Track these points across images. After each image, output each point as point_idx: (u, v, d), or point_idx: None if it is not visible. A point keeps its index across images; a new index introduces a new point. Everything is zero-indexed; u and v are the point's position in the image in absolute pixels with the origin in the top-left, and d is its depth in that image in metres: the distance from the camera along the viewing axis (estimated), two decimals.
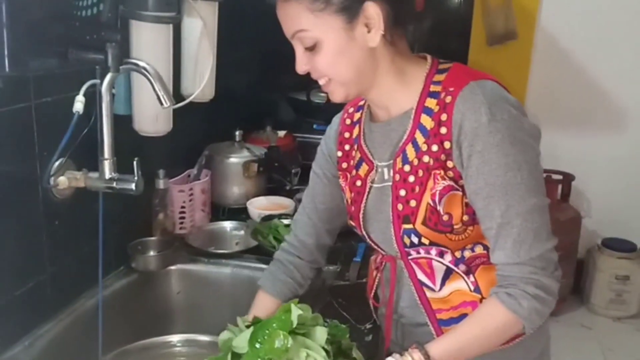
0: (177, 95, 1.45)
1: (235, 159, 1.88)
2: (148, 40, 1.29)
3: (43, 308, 1.23)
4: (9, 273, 1.13)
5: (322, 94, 2.36)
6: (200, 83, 1.48)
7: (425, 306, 1.08)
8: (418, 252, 1.04)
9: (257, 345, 0.91)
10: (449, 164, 0.96)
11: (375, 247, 1.13)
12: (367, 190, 1.08)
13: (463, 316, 1.04)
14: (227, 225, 1.78)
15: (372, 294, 1.20)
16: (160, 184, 1.58)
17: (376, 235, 1.10)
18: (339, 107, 2.56)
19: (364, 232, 1.11)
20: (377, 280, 1.18)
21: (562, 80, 3.16)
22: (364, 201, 1.09)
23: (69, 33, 1.14)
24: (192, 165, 1.82)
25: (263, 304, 1.17)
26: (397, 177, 1.02)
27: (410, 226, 1.01)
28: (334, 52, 0.95)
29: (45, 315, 1.23)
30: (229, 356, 0.94)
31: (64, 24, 1.13)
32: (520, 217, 0.93)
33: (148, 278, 1.50)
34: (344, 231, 1.51)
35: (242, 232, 1.72)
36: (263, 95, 2.45)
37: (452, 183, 0.96)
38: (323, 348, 0.92)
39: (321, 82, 1.01)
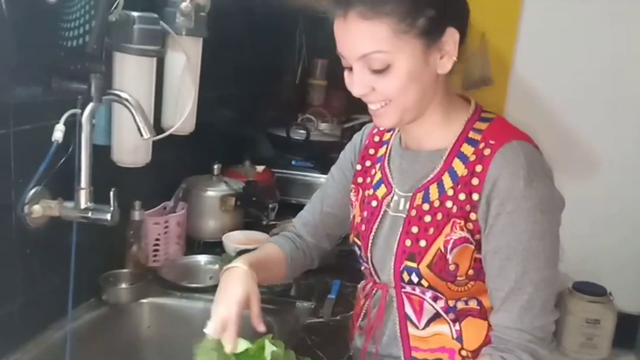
0: (158, 128, 1.45)
1: (212, 193, 1.88)
2: (131, 73, 1.30)
3: (10, 338, 1.20)
4: None
5: (302, 131, 2.39)
6: (181, 116, 1.49)
7: (404, 340, 1.06)
8: (413, 290, 1.03)
9: None
10: (472, 216, 0.95)
11: (372, 271, 1.11)
12: (381, 213, 1.07)
13: None
14: (202, 259, 1.76)
15: (358, 322, 1.17)
16: (136, 215, 1.57)
17: (377, 261, 1.08)
18: (317, 145, 2.59)
19: (368, 254, 1.09)
20: (364, 309, 1.15)
21: (535, 126, 3.19)
22: (376, 224, 1.07)
23: (54, 62, 1.15)
24: (169, 198, 1.81)
25: (269, 248, 1.21)
26: (414, 212, 1.01)
27: (414, 265, 1.00)
28: (406, 76, 0.92)
29: (12, 346, 1.20)
30: None
31: (50, 54, 1.14)
32: (532, 286, 0.93)
33: (119, 311, 1.48)
34: (317, 268, 1.52)
35: (216, 267, 1.70)
36: (243, 130, 2.46)
37: (468, 235, 0.96)
38: None
39: (375, 105, 0.97)
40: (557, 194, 0.97)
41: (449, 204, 0.97)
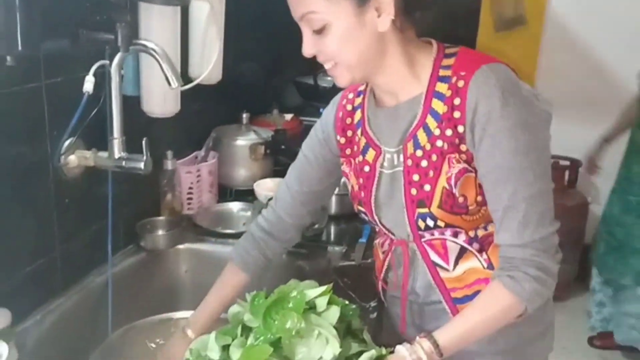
0: (185, 78, 1.47)
1: (242, 142, 1.90)
2: (156, 23, 1.31)
3: (54, 284, 1.26)
4: (20, 250, 1.16)
5: (329, 78, 2.36)
6: (208, 65, 1.49)
7: (440, 286, 1.09)
8: (432, 234, 1.05)
9: (271, 321, 0.92)
10: (463, 147, 0.97)
11: (386, 232, 1.13)
12: (377, 175, 1.08)
13: (477, 293, 1.04)
14: (234, 206, 1.80)
15: (382, 276, 1.20)
16: (168, 164, 1.60)
17: (388, 220, 1.10)
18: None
19: (375, 218, 1.11)
20: (386, 264, 1.17)
21: (571, 66, 3.14)
22: (374, 186, 1.08)
23: (80, 14, 1.16)
24: (200, 147, 1.84)
25: (228, 278, 1.19)
26: (409, 162, 1.02)
27: (425, 210, 1.01)
28: (342, 36, 0.94)
29: (56, 291, 1.26)
30: (239, 329, 0.96)
31: (75, 5, 1.15)
32: (525, 201, 0.94)
33: (156, 256, 1.53)
34: (348, 214, 1.53)
35: (248, 213, 1.74)
36: (270, 78, 2.46)
37: (465, 165, 0.97)
38: (334, 327, 0.93)
39: (327, 65, 1.00)
40: (540, 108, 0.96)
41: (439, 143, 0.99)
